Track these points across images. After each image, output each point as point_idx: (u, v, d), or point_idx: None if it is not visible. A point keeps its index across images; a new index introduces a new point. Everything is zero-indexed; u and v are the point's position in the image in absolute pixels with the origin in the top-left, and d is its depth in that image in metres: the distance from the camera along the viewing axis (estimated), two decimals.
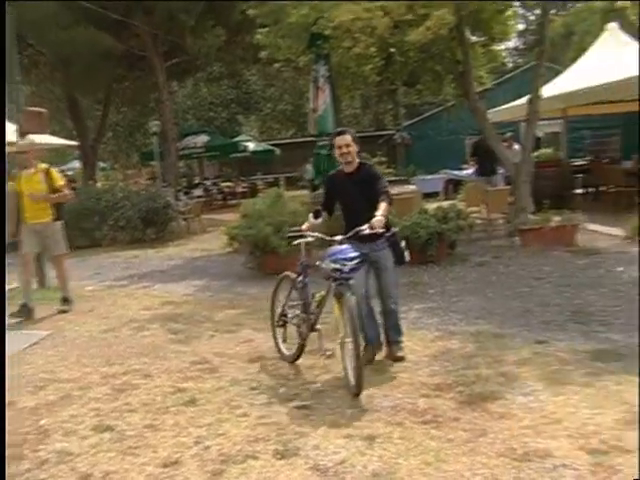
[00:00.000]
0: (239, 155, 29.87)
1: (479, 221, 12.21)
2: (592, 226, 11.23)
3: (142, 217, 16.20)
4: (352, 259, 5.06)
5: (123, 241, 15.99)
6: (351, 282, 5.12)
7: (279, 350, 6.09)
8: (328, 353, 5.35)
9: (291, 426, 4.54)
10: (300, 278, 5.75)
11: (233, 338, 6.96)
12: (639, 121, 17.89)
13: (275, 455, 4.11)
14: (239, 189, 29.97)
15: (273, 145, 33.72)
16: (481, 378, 5.14)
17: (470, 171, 18.64)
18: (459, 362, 5.57)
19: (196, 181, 31.65)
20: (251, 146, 29.80)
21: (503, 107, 17.63)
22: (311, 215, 5.66)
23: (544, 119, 15.00)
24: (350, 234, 5.25)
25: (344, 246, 5.16)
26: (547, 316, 6.78)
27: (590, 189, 17.89)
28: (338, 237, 5.28)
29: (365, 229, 5.10)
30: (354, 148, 5.52)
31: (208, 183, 30.57)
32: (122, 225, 16.05)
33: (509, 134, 16.57)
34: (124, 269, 12.41)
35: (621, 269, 8.63)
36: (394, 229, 5.77)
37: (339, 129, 5.86)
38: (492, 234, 11.91)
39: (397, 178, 20.11)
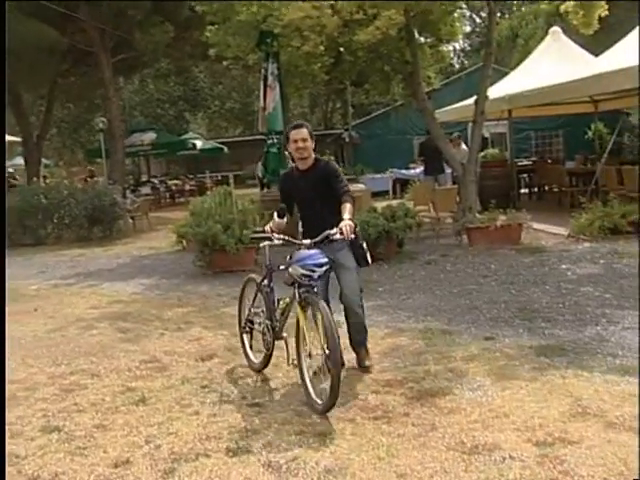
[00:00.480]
0: (187, 153, 29.66)
1: (427, 220, 12.35)
2: (537, 225, 11.49)
3: (88, 215, 15.97)
4: (322, 265, 4.75)
5: (69, 239, 15.73)
6: (316, 289, 4.85)
7: (247, 357, 5.75)
8: (296, 362, 4.94)
9: (243, 424, 4.53)
10: (265, 282, 5.43)
11: (183, 336, 6.91)
12: (582, 123, 18.37)
13: (227, 453, 4.10)
14: (187, 187, 29.75)
15: (221, 143, 33.54)
16: (430, 374, 5.22)
17: (418, 170, 18.87)
18: (409, 359, 5.64)
19: (143, 179, 31.31)
20: (199, 144, 29.60)
21: (450, 107, 17.89)
22: (275, 214, 5.26)
23: (490, 120, 15.27)
24: (319, 238, 4.88)
25: (313, 251, 4.83)
26: (494, 313, 6.91)
27: (535, 189, 18.30)
28: (307, 241, 4.95)
29: (335, 233, 4.74)
30: (310, 143, 5.18)
31: (156, 181, 30.26)
32: (67, 223, 15.81)
33: (456, 134, 16.82)
34: (70, 267, 12.20)
35: (565, 267, 8.84)
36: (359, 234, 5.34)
37: (295, 122, 5.48)
38: (440, 233, 12.07)
39: (346, 177, 20.16)
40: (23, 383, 5.70)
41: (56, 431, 4.62)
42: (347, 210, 4.89)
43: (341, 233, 4.69)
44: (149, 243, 15.09)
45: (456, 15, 14.22)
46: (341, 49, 13.08)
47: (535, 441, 3.94)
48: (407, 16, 11.40)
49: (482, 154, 16.50)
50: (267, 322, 5.30)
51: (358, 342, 5.45)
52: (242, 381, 5.44)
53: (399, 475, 3.67)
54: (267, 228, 5.25)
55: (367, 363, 5.43)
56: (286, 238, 5.02)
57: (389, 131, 26.56)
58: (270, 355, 5.36)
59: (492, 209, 11.04)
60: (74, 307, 8.61)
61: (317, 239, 4.90)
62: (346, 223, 4.72)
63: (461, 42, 42.94)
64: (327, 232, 4.81)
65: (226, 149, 32.06)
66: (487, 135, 20.59)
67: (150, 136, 27.79)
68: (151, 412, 4.87)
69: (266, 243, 5.23)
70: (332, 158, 19.35)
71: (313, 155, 5.27)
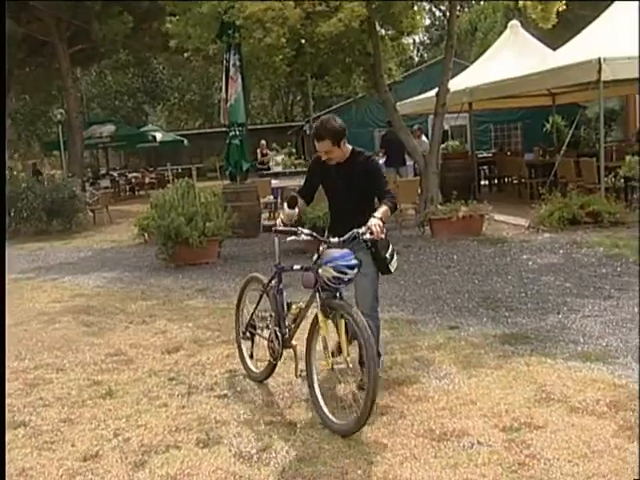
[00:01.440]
0: (146, 145, 29.36)
1: None
2: (498, 216, 11.65)
3: (47, 208, 15.72)
4: (353, 267, 4.20)
5: (27, 233, 15.48)
6: (340, 294, 4.30)
7: (245, 366, 5.26)
8: (305, 374, 4.46)
9: (212, 415, 4.53)
10: (273, 284, 4.88)
11: (148, 329, 6.86)
12: (540, 116, 18.65)
13: (197, 444, 4.10)
14: (147, 180, 29.41)
15: (181, 136, 33.28)
16: (397, 363, 5.28)
17: (380, 163, 18.95)
18: None
19: (102, 172, 30.90)
20: (159, 136, 29.33)
21: (412, 100, 18.01)
22: (286, 205, 4.65)
23: (451, 112, 15.41)
24: (347, 237, 4.32)
25: (345, 250, 4.25)
26: (458, 302, 7.00)
27: (495, 180, 18.55)
28: (334, 240, 4.36)
29: (365, 233, 4.21)
30: (336, 149, 4.55)
31: (115, 174, 29.89)
32: (25, 217, 15.52)
33: (417, 126, 16.95)
34: (30, 261, 12.00)
35: (526, 257, 8.99)
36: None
37: (315, 128, 4.67)
38: (402, 224, 12.15)
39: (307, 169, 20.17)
40: None
41: (22, 426, 4.55)
42: (382, 210, 4.36)
43: (371, 233, 4.18)
44: (110, 236, 14.92)
45: (416, 8, 14.31)
46: (303, 41, 13.06)
47: (502, 427, 4.02)
48: (369, 8, 11.44)
49: (443, 146, 16.66)
50: (275, 329, 4.77)
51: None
52: (210, 373, 5.42)
53: (370, 463, 3.71)
54: (279, 221, 4.66)
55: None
56: (314, 234, 4.43)
57: (350, 123, 26.33)
58: (275, 365, 4.90)
59: (454, 200, 11.16)
60: (35, 301, 8.48)
61: (345, 237, 4.34)
62: (376, 222, 4.19)
63: (421, 35, 43.20)
64: (355, 230, 4.28)
65: (186, 141, 31.82)
66: (447, 128, 20.78)
67: (109, 128, 27.44)
68: (119, 405, 4.84)
69: (291, 238, 4.52)
70: (293, 151, 19.30)
71: (347, 148, 4.66)
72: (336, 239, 4.35)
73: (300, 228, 4.46)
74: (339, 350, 4.34)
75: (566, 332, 5.74)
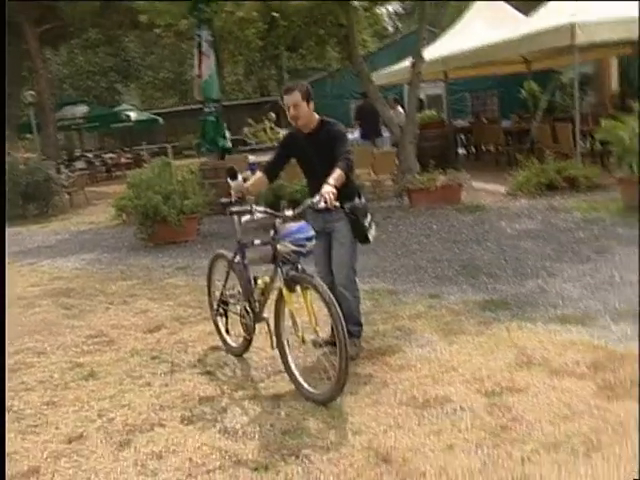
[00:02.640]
0: (121, 125, 29.01)
1: (367, 183, 12.40)
2: (476, 184, 11.68)
3: (22, 192, 15.51)
4: (311, 239, 4.23)
5: None
6: (300, 266, 4.27)
7: (224, 342, 5.29)
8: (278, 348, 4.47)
9: (196, 392, 4.53)
10: (238, 259, 4.89)
11: (129, 309, 6.83)
12: (515, 82, 18.64)
13: (182, 421, 4.10)
14: (123, 160, 29.08)
15: (156, 114, 32.90)
16: (379, 333, 5.30)
17: (355, 135, 18.88)
18: None
19: (77, 153, 30.53)
20: (133, 115, 28.96)
21: (386, 70, 17.92)
22: (228, 179, 4.70)
23: (426, 81, 15.36)
24: (300, 209, 4.35)
25: (301, 223, 4.30)
26: (438, 271, 7.03)
27: (472, 149, 18.57)
28: (288, 212, 4.35)
29: (319, 202, 4.11)
30: (305, 107, 4.56)
31: (90, 155, 29.54)
32: None
33: (392, 97, 16.86)
34: (7, 246, 11.85)
35: (504, 224, 9.03)
36: (360, 200, 4.80)
37: (286, 85, 4.79)
38: (381, 195, 12.16)
39: None
40: None
41: (5, 411, 4.53)
42: (333, 175, 4.27)
43: (325, 202, 4.08)
44: (87, 218, 14.79)
45: None
46: (275, 14, 12.96)
47: (484, 392, 4.05)
48: None
49: (419, 116, 16.61)
50: (245, 304, 4.80)
51: (350, 334, 4.43)
52: (192, 350, 5.41)
53: (354, 432, 3.73)
54: (233, 194, 4.69)
55: (352, 351, 4.53)
56: (268, 211, 4.46)
57: (325, 96, 26.40)
58: (250, 340, 4.93)
59: (431, 170, 11.15)
60: (14, 286, 8.38)
61: (298, 210, 4.36)
62: (327, 189, 4.11)
63: (395, 5, 42.87)
64: (309, 200, 4.27)
65: (161, 120, 31.49)
66: (423, 97, 20.70)
67: (82, 109, 27.07)
68: (102, 386, 4.82)
69: (246, 218, 4.57)
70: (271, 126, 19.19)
71: (316, 117, 4.68)
72: (290, 212, 4.35)
73: (254, 206, 4.47)
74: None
75: (545, 296, 5.79)
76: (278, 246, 4.30)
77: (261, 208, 4.48)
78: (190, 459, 3.64)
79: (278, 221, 4.37)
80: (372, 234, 4.80)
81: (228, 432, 3.90)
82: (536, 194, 10.59)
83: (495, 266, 6.98)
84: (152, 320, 6.36)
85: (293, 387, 4.36)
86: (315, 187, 4.45)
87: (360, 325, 4.93)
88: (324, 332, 4.67)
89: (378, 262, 7.66)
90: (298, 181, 8.92)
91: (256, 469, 3.46)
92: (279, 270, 4.35)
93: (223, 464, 3.55)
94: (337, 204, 4.18)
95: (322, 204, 4.10)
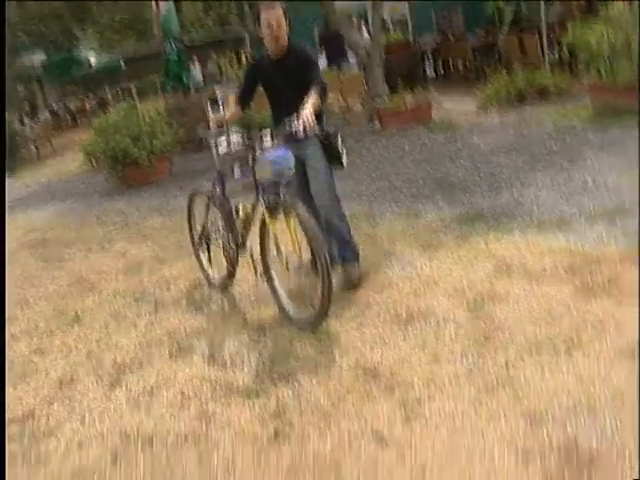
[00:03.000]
0: (82, 74, 28.30)
1: (336, 109, 12.28)
2: (446, 102, 11.58)
3: None
4: (291, 165, 4.14)
5: None
6: (282, 194, 4.17)
7: (207, 277, 5.29)
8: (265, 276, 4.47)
9: (182, 327, 4.57)
10: (218, 191, 4.80)
11: (107, 254, 6.83)
12: None
13: (171, 357, 4.14)
14: (87, 106, 28.52)
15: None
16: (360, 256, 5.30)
17: (321, 60, 18.58)
18: None
19: (39, 103, 29.85)
20: (93, 60, 28.24)
21: None
22: (209, 110, 4.61)
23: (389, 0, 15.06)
24: (280, 138, 4.27)
25: (280, 150, 4.18)
26: (414, 191, 7.02)
27: (440, 68, 18.32)
28: (267, 142, 4.31)
29: (298, 127, 4.03)
30: (284, 26, 4.41)
31: (53, 104, 28.90)
32: None
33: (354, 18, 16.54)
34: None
35: (477, 139, 8.99)
36: (331, 128, 4.67)
37: (268, 2, 4.46)
38: (350, 120, 12.04)
39: None
40: None
41: None
42: (309, 99, 4.14)
43: (304, 128, 3.99)
44: (56, 168, 14.59)
45: None
46: None
47: (466, 303, 4.10)
48: None
49: (384, 37, 16.34)
50: (228, 235, 4.76)
51: (346, 259, 4.73)
52: (174, 287, 5.43)
53: (342, 353, 3.78)
54: (227, 118, 4.75)
55: (355, 278, 4.73)
56: (247, 140, 4.42)
57: (290, 22, 25.94)
58: (234, 271, 4.90)
59: (400, 91, 11.03)
60: None
61: (277, 139, 4.31)
62: (305, 113, 4.00)
63: None
64: (287, 127, 4.17)
65: (123, 64, 30.72)
66: (387, 18, 20.32)
67: (38, 57, 26.35)
68: (88, 330, 4.84)
69: (224, 149, 4.59)
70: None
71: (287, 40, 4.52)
72: (268, 141, 4.31)
73: (234, 131, 4.51)
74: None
75: (521, 207, 5.81)
76: (257, 175, 4.26)
77: (239, 133, 4.51)
78: (182, 392, 3.69)
79: (258, 150, 4.34)
80: (345, 159, 4.73)
81: (217, 363, 3.94)
82: (507, 106, 10.53)
83: (470, 182, 6.98)
84: (132, 262, 6.35)
85: (278, 315, 4.40)
86: (281, 113, 4.36)
87: (356, 249, 4.89)
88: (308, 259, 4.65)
89: (354, 186, 7.63)
90: (265, 111, 8.78)
91: (248, 396, 3.51)
92: (261, 198, 4.30)
93: (215, 394, 3.60)
94: (317, 128, 4.10)
95: (301, 129, 4.01)
